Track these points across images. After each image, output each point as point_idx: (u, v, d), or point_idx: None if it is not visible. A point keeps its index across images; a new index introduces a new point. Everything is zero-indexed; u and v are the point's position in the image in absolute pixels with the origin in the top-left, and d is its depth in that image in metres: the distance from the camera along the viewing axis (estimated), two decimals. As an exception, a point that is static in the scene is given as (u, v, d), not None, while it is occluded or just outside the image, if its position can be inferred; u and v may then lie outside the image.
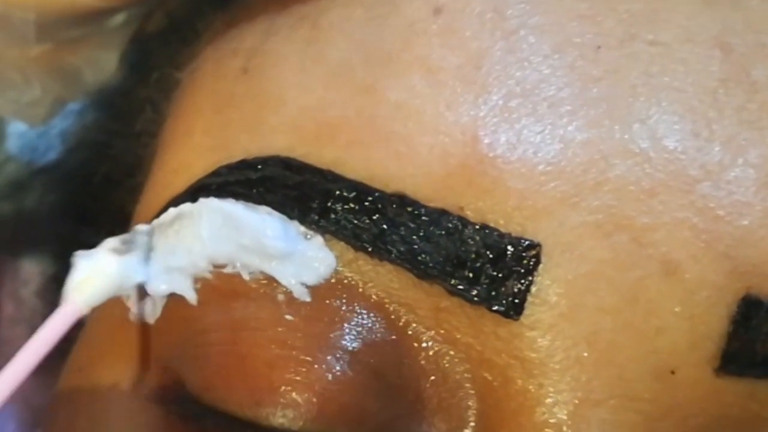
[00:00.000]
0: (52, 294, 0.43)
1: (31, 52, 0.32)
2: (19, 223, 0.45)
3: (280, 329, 0.27)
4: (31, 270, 0.45)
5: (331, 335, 0.27)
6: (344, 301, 0.27)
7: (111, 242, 0.29)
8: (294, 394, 0.27)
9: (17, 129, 0.44)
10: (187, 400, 0.28)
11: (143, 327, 0.30)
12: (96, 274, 0.28)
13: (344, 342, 0.27)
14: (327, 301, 0.27)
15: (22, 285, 0.45)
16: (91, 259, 0.28)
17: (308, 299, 0.27)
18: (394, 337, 0.27)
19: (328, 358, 0.27)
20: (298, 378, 0.27)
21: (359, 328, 0.27)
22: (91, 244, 0.38)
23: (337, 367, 0.27)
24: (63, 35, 0.32)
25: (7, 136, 0.44)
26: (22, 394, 0.44)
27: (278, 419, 0.27)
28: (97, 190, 0.39)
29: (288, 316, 0.27)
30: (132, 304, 0.30)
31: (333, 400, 0.27)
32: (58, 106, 0.36)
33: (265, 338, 0.27)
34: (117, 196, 0.37)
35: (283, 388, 0.27)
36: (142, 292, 0.30)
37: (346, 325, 0.27)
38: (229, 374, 0.27)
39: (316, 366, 0.27)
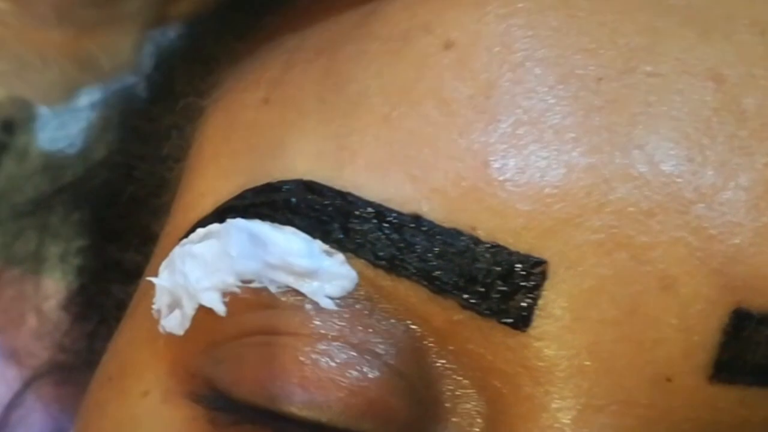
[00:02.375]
0: (77, 307, 0.45)
1: (50, 35, 0.33)
2: (42, 238, 0.46)
3: (309, 333, 0.29)
4: (55, 284, 0.46)
5: (358, 339, 0.29)
6: (367, 312, 0.29)
7: None
8: (324, 389, 0.28)
9: (41, 147, 0.46)
10: (217, 397, 0.30)
11: (171, 337, 0.31)
12: None
13: (370, 346, 0.29)
14: (351, 310, 0.29)
15: (44, 300, 0.47)
16: None
17: (335, 308, 0.29)
18: (415, 346, 0.29)
19: (356, 358, 0.28)
20: (327, 374, 0.28)
21: (383, 335, 0.29)
22: (115, 259, 0.40)
23: (365, 367, 0.28)
24: (81, 18, 0.33)
25: (30, 153, 0.46)
26: (43, 404, 0.46)
27: (309, 412, 0.28)
28: (122, 209, 0.40)
29: (316, 321, 0.29)
30: (161, 317, 0.31)
31: (361, 396, 0.28)
32: (74, 91, 0.37)
33: (296, 340, 0.29)
34: (142, 215, 0.39)
35: (313, 383, 0.28)
36: (170, 305, 0.31)
37: (371, 331, 0.29)
38: (260, 370, 0.29)
39: (344, 364, 0.28)
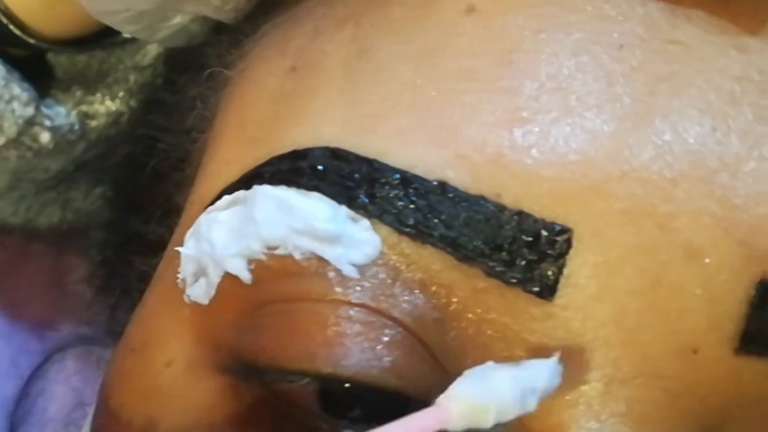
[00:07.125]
0: (99, 280, 0.45)
1: None
2: (64, 213, 0.46)
3: (330, 300, 0.29)
4: (76, 258, 0.47)
5: (379, 307, 0.28)
6: (390, 280, 0.29)
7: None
8: (347, 346, 0.28)
9: (50, 123, 0.45)
10: (242, 368, 0.30)
11: (196, 307, 0.31)
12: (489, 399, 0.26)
13: (392, 313, 0.28)
14: (374, 279, 0.29)
15: (66, 273, 0.47)
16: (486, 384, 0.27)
17: (357, 276, 0.29)
18: (436, 315, 0.29)
19: (377, 323, 0.28)
20: (349, 336, 0.28)
21: (405, 305, 0.29)
22: (137, 232, 0.40)
23: (386, 331, 0.28)
24: None
25: (40, 132, 0.45)
26: (64, 376, 0.46)
27: (332, 369, 0.28)
28: (145, 182, 0.40)
29: (338, 288, 0.29)
30: (186, 286, 0.31)
31: (385, 355, 0.28)
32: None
33: (317, 308, 0.29)
34: (165, 188, 0.39)
35: (336, 340, 0.28)
36: (196, 274, 0.31)
37: (392, 300, 0.28)
38: (283, 336, 0.29)
39: (366, 328, 0.28)
